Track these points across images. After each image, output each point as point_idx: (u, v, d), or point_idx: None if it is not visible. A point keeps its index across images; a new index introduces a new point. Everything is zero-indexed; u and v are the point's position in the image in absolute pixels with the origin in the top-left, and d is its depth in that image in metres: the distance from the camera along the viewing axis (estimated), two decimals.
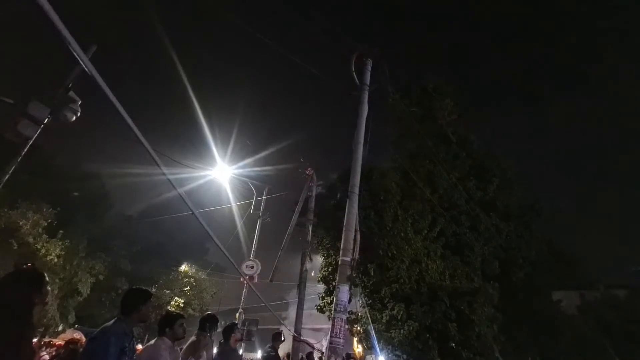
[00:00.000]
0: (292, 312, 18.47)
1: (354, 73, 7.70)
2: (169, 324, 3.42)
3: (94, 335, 2.82)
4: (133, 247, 19.04)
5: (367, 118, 7.43)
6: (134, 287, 3.20)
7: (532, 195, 14.67)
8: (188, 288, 21.69)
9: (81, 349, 4.90)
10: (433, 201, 11.51)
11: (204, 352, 3.60)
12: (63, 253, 13.95)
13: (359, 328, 10.42)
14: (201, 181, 14.15)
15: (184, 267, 22.58)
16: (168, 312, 4.77)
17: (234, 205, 13.74)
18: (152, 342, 3.41)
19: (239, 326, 7.09)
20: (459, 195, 11.99)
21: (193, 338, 3.83)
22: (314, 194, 9.49)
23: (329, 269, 12.01)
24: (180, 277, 21.40)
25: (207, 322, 3.96)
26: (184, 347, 3.85)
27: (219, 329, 4.48)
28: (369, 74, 7.77)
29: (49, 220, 13.92)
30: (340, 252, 6.22)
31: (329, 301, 11.64)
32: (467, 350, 9.43)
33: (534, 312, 12.62)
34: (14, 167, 5.87)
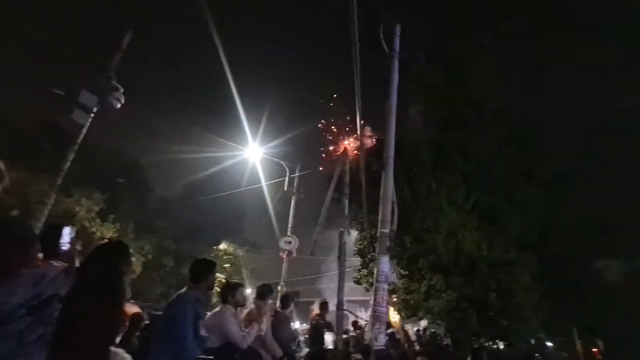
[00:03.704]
0: (329, 284, 19.15)
1: (383, 40, 7.45)
2: (231, 292, 3.73)
3: (171, 302, 3.15)
4: (176, 228, 20.26)
5: (398, 87, 7.25)
6: (200, 258, 3.50)
7: (575, 163, 13.97)
8: (228, 265, 22.90)
9: (145, 321, 5.40)
10: (466, 172, 11.24)
11: (264, 318, 3.89)
12: (116, 235, 15.07)
13: (396, 299, 10.67)
14: (234, 160, 14.77)
15: (222, 246, 23.81)
16: (229, 281, 5.17)
17: (266, 184, 14.17)
18: (217, 309, 3.73)
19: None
20: (494, 164, 11.61)
21: (252, 306, 4.15)
22: (347, 167, 9.56)
23: (364, 242, 12.24)
24: (220, 255, 22.60)
25: (264, 291, 4.28)
26: (243, 315, 4.17)
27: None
28: (398, 40, 7.47)
29: (100, 206, 15.07)
30: (379, 224, 6.28)
31: (365, 273, 11.93)
32: (507, 319, 9.47)
33: (576, 280, 12.33)
34: (73, 155, 6.35)
